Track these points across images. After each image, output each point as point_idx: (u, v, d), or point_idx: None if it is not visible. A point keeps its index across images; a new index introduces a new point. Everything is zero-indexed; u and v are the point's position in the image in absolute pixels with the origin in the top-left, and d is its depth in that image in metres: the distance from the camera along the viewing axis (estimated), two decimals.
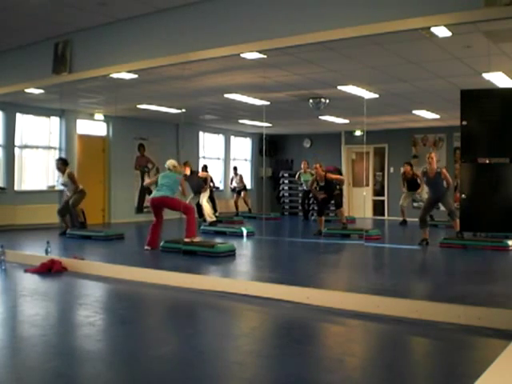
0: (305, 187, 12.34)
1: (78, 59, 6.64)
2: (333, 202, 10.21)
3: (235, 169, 14.29)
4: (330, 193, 9.92)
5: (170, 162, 7.89)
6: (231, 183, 14.30)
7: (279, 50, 5.46)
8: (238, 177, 14.06)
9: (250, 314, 4.52)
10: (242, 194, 13.90)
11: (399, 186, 11.47)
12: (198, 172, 11.06)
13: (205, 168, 11.98)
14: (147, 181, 9.04)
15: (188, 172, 10.25)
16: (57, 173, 10.60)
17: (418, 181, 10.57)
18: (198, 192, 10.74)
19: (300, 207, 14.21)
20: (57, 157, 10.68)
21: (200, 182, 10.76)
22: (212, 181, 11.98)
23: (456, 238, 8.00)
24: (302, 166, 12.22)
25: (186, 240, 7.31)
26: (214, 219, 10.63)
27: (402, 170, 11.30)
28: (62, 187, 9.58)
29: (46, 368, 2.98)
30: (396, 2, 4.45)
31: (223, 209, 13.21)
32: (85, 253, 7.37)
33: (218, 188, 14.42)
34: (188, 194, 9.88)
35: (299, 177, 12.47)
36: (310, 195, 12.32)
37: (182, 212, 7.60)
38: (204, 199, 10.69)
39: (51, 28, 6.54)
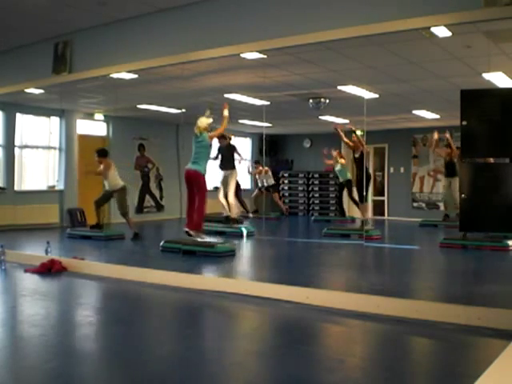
0: (341, 179, 11.40)
1: (78, 59, 6.64)
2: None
3: (258, 162, 13.48)
4: (365, 171, 9.07)
5: (198, 121, 7.12)
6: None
7: (279, 50, 5.46)
8: (264, 170, 13.00)
9: (250, 314, 4.52)
10: (275, 194, 13.11)
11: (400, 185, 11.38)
12: (235, 147, 9.89)
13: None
14: None
15: (225, 143, 9.30)
16: (57, 172, 10.65)
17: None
18: (227, 168, 9.58)
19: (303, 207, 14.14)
20: (57, 156, 10.71)
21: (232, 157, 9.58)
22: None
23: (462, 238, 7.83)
24: (334, 154, 11.28)
25: (191, 233, 6.96)
26: (235, 217, 9.51)
27: None
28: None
29: (45, 368, 2.98)
30: (396, 2, 4.45)
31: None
32: (85, 253, 7.37)
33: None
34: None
35: (333, 169, 11.65)
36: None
37: (196, 195, 7.09)
38: (231, 193, 9.44)
39: (51, 28, 6.54)
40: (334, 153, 11.34)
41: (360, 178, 9.36)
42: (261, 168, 13.15)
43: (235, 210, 9.50)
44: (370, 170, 13.66)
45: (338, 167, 11.28)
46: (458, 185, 8.03)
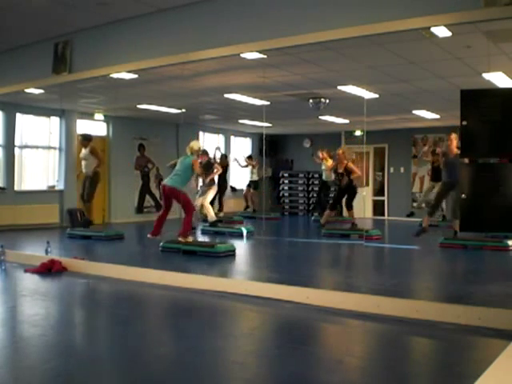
0: (323, 177, 12.04)
1: (77, 59, 6.64)
2: (345, 198, 9.95)
3: (250, 157, 13.61)
4: (347, 185, 9.67)
5: (191, 143, 7.70)
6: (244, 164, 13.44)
7: (279, 50, 5.46)
8: (255, 162, 13.20)
9: (250, 314, 4.52)
10: (252, 191, 13.17)
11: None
12: (213, 164, 10.33)
13: (224, 157, 11.81)
14: (172, 163, 8.13)
15: (205, 160, 9.78)
16: (57, 172, 10.68)
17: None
18: (205, 184, 10.11)
19: (313, 201, 14.35)
20: (57, 156, 10.74)
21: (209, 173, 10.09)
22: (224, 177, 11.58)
23: (452, 237, 7.93)
24: (324, 155, 11.62)
25: (179, 239, 7.35)
26: (215, 219, 10.32)
27: None
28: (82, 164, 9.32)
29: (45, 368, 2.98)
30: (396, 2, 4.45)
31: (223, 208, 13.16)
32: (85, 253, 7.37)
33: (234, 188, 14.01)
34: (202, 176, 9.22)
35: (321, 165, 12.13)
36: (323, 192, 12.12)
37: (182, 208, 7.56)
38: (207, 198, 10.10)
39: (51, 28, 6.53)
40: (320, 153, 11.70)
41: (339, 193, 9.91)
42: (253, 163, 13.34)
43: (211, 214, 9.96)
44: (370, 171, 13.75)
45: (324, 166, 11.63)
46: (439, 190, 8.36)
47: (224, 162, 11.95)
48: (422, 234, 7.96)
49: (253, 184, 13.34)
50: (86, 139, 9.31)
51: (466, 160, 4.47)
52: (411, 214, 11.00)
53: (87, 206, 9.29)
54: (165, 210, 7.67)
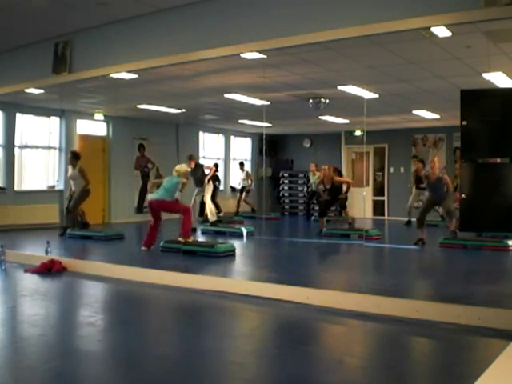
0: (313, 187, 12.40)
1: (78, 59, 6.64)
2: (336, 203, 10.54)
3: (241, 164, 13.96)
4: (335, 197, 9.97)
5: (178, 167, 7.86)
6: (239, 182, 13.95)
7: (279, 50, 5.46)
8: (244, 173, 13.68)
9: (250, 314, 4.52)
10: (244, 194, 13.54)
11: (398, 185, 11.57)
12: (202, 166, 10.70)
13: (215, 166, 12.16)
14: (153, 181, 8.72)
15: (192, 165, 9.98)
16: (57, 172, 10.68)
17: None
18: (200, 185, 10.45)
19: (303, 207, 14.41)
20: (57, 156, 10.72)
21: (202, 176, 10.51)
22: (217, 179, 11.87)
23: (451, 237, 7.99)
24: (311, 167, 12.18)
25: (179, 239, 7.38)
26: (216, 219, 10.54)
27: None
28: (71, 182, 9.31)
29: (45, 368, 2.98)
30: (396, 2, 4.45)
31: (223, 208, 13.19)
32: (85, 253, 7.37)
33: (234, 188, 14.46)
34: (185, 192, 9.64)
35: (309, 177, 12.83)
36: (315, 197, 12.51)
37: (180, 213, 7.65)
38: (208, 196, 10.52)
39: (51, 28, 6.54)
40: (313, 165, 12.19)
41: (328, 203, 10.09)
42: (246, 171, 13.82)
43: (213, 212, 10.52)
44: (370, 171, 13.77)
45: (312, 178, 12.12)
46: (424, 206, 8.73)
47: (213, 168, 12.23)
48: (419, 243, 8.07)
49: (244, 188, 13.66)
50: (75, 158, 9.20)
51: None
52: (408, 223, 11.16)
53: (70, 216, 9.28)
54: (155, 223, 7.66)
